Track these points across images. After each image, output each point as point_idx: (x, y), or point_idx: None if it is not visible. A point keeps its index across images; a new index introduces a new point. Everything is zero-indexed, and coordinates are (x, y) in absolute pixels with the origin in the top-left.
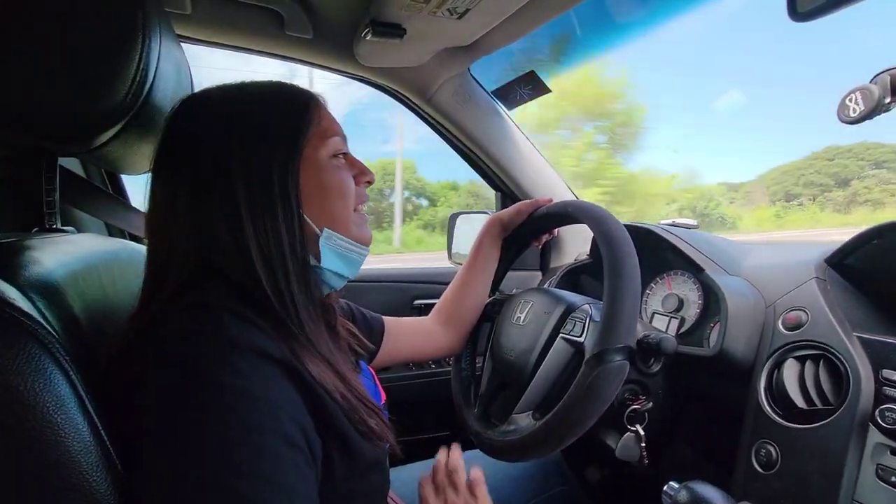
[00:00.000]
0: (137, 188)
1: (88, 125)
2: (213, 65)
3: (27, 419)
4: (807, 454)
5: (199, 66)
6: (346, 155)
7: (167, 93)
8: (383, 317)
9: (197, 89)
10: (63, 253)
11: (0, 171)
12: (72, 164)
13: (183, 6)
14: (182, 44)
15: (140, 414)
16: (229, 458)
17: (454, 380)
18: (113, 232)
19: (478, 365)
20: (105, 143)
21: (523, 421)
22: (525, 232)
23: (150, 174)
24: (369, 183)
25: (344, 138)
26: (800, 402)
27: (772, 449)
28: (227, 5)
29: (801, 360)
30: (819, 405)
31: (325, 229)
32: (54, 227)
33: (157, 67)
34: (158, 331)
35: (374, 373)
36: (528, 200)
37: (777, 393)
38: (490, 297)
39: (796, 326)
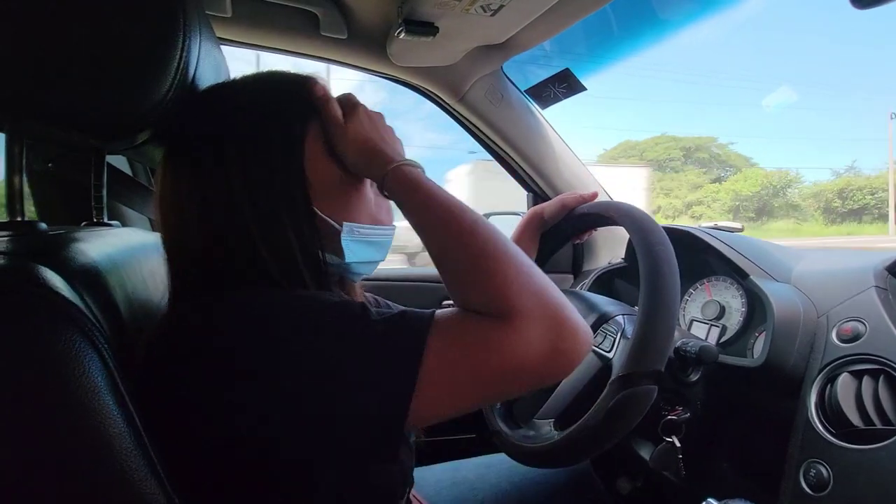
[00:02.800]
0: None
1: (131, 123)
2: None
3: (63, 403)
4: (863, 477)
5: (242, 71)
6: None
7: None
8: None
9: None
10: (108, 245)
11: (53, 168)
12: (120, 162)
13: (223, 9)
14: (223, 46)
15: (215, 408)
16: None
17: None
18: (155, 227)
19: None
20: (147, 140)
21: (543, 428)
22: (565, 228)
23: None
24: None
25: None
26: (856, 420)
27: (823, 469)
28: (265, 7)
29: (858, 374)
30: (878, 424)
31: (345, 223)
32: (101, 221)
33: (196, 67)
34: (192, 327)
35: None
36: (573, 195)
37: (830, 409)
38: None
39: (853, 338)
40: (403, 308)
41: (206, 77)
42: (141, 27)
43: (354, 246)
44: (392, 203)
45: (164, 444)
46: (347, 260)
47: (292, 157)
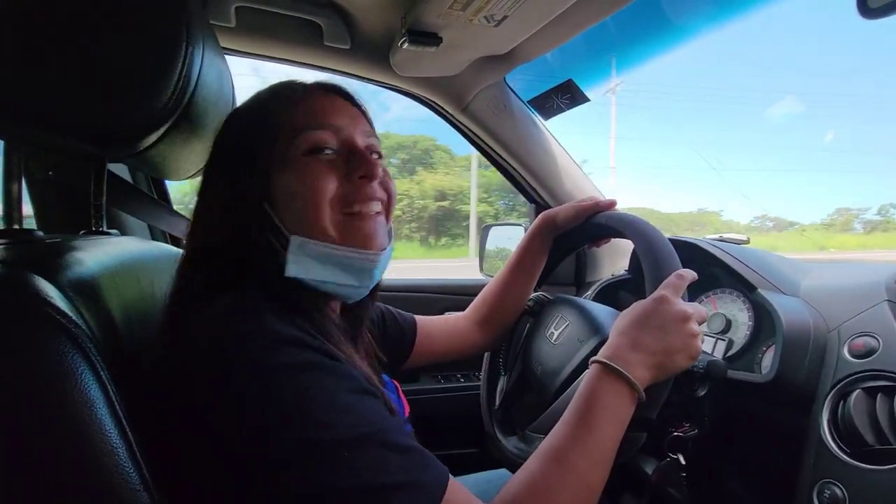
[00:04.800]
0: (181, 194)
1: (133, 129)
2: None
3: (55, 417)
4: (881, 499)
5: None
6: (335, 151)
7: (209, 100)
8: (416, 316)
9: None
10: (104, 254)
11: (53, 176)
12: (120, 170)
13: (227, 19)
14: (228, 56)
15: (203, 418)
16: (315, 429)
17: (484, 373)
18: (156, 235)
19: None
20: (149, 147)
21: (535, 443)
22: (578, 235)
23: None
24: (364, 178)
25: (335, 130)
26: (870, 438)
27: (838, 490)
28: (269, 17)
29: (872, 391)
30: (894, 444)
31: (294, 236)
32: (100, 229)
33: (199, 75)
34: (201, 335)
35: (398, 385)
36: (588, 202)
37: (843, 427)
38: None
39: (866, 354)
40: (423, 460)
41: (209, 85)
42: (144, 36)
43: (307, 262)
44: (391, 228)
45: (158, 460)
46: (292, 274)
47: (262, 165)
